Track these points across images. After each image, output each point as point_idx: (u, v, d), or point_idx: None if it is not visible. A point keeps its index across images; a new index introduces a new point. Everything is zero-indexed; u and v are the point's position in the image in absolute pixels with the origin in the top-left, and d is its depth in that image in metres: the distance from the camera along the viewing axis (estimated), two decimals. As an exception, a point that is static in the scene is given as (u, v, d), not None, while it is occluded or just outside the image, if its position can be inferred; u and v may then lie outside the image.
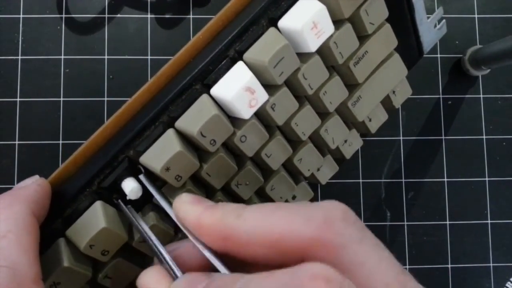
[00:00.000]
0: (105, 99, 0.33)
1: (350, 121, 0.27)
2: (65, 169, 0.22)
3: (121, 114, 0.22)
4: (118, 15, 0.34)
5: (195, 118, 0.21)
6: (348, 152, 0.29)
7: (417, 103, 0.35)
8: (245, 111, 0.21)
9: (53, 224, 0.21)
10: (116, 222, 0.21)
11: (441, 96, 0.35)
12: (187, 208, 0.18)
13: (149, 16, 0.34)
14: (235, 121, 0.23)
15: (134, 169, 0.22)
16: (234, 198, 0.25)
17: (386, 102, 0.28)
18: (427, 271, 0.34)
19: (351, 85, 0.25)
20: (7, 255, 0.17)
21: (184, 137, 0.22)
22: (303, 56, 0.22)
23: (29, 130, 0.33)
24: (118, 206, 0.22)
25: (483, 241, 0.34)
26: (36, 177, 0.22)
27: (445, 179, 0.35)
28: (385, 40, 0.24)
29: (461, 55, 0.35)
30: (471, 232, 0.34)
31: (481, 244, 0.34)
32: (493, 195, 0.35)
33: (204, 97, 0.22)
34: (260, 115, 0.23)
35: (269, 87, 0.22)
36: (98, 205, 0.21)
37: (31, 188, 0.20)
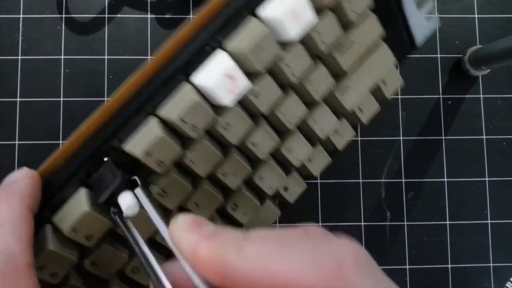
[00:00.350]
0: (105, 99, 0.33)
1: (339, 111, 0.27)
2: (53, 161, 0.22)
3: (107, 107, 0.22)
4: (118, 15, 0.34)
5: (176, 105, 0.22)
6: (340, 143, 0.28)
7: (417, 103, 0.35)
8: (227, 98, 0.22)
9: (42, 213, 0.22)
10: (100, 207, 0.22)
11: (441, 96, 0.35)
12: (182, 235, 0.17)
13: (149, 16, 0.34)
14: (220, 109, 0.23)
15: (131, 182, 0.21)
16: (222, 187, 0.25)
17: (377, 93, 0.28)
18: (427, 271, 0.34)
19: (338, 74, 0.25)
20: (3, 242, 0.19)
21: (167, 126, 0.23)
22: (285, 45, 0.23)
23: (29, 130, 0.33)
24: (116, 222, 0.21)
25: (483, 241, 0.34)
26: (25, 169, 0.22)
27: (445, 179, 0.35)
28: (370, 29, 0.25)
29: (461, 55, 0.35)
30: (471, 232, 0.34)
31: (481, 244, 0.34)
32: (493, 195, 0.35)
33: (186, 85, 0.22)
34: (244, 103, 0.23)
35: (252, 76, 0.23)
36: (82, 191, 0.22)
37: (24, 182, 0.21)
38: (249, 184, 0.26)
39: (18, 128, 0.33)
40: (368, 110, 0.28)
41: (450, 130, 0.35)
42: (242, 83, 0.22)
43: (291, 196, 0.28)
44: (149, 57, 0.34)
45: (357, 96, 0.26)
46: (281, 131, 0.26)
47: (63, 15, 0.34)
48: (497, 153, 0.35)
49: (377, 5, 0.25)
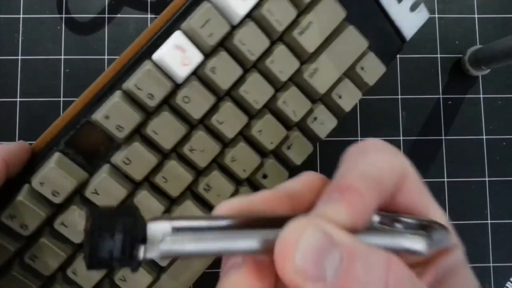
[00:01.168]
0: (105, 99, 0.33)
1: (314, 96, 0.27)
2: (42, 138, 0.25)
3: (88, 91, 0.26)
4: (118, 15, 0.34)
5: (135, 76, 0.24)
6: (321, 131, 0.28)
7: (417, 103, 0.35)
8: (179, 69, 0.24)
9: (25, 176, 0.24)
10: (68, 167, 0.24)
11: (441, 96, 0.35)
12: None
13: (149, 16, 0.34)
14: (182, 85, 0.25)
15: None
16: (190, 165, 0.26)
17: (356, 79, 0.27)
18: (427, 271, 0.34)
19: (304, 57, 0.26)
20: None
21: (128, 96, 0.25)
22: (239, 24, 0.25)
23: (29, 130, 0.33)
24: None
25: (483, 241, 0.34)
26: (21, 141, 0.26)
27: (445, 179, 0.35)
28: (330, 11, 0.25)
29: (461, 55, 0.35)
30: (471, 232, 0.34)
31: (481, 244, 0.34)
32: (493, 195, 0.35)
33: (146, 61, 0.24)
34: (203, 78, 0.25)
35: (210, 54, 0.25)
36: (55, 154, 0.24)
37: (11, 144, 0.24)
38: (221, 166, 0.26)
39: (18, 128, 0.33)
40: (348, 97, 0.27)
41: (450, 130, 0.35)
42: (194, 55, 0.24)
43: (271, 185, 0.27)
44: (149, 57, 0.34)
45: (328, 79, 0.26)
46: (252, 114, 0.26)
47: (63, 15, 0.34)
48: (497, 153, 0.35)
49: (353, 4, 0.26)
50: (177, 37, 0.24)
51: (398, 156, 0.17)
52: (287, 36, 0.25)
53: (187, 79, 0.25)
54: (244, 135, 0.26)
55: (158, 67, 0.24)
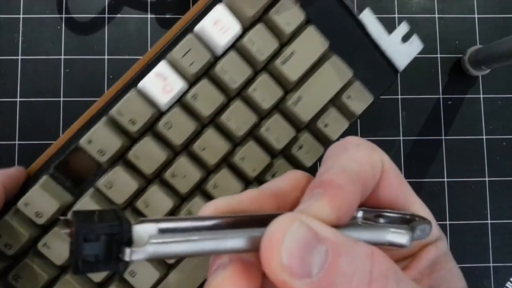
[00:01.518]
0: (105, 99, 0.33)
1: (298, 124, 0.27)
2: (37, 162, 0.27)
3: (82, 117, 0.27)
4: (118, 15, 0.34)
5: (119, 102, 0.25)
6: (306, 159, 0.27)
7: (417, 103, 0.35)
8: (161, 96, 0.25)
9: (16, 200, 0.25)
10: (53, 190, 0.25)
11: (441, 96, 0.35)
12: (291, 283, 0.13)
13: (149, 16, 0.34)
14: (166, 112, 0.26)
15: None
16: (172, 190, 0.26)
17: (343, 107, 0.28)
18: (427, 271, 0.34)
19: (288, 85, 0.27)
20: None
21: (113, 123, 0.25)
22: (223, 54, 0.26)
23: (29, 130, 0.33)
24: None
25: (483, 241, 0.34)
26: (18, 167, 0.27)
27: (445, 179, 0.35)
28: (312, 41, 0.26)
29: (461, 55, 0.35)
30: (471, 232, 0.34)
31: (481, 244, 0.34)
32: (493, 195, 0.35)
33: (132, 89, 0.25)
34: (185, 105, 0.26)
35: (193, 81, 0.26)
36: (43, 178, 0.25)
37: (9, 169, 0.25)
38: (203, 191, 0.27)
39: (18, 128, 0.33)
40: (335, 126, 0.28)
41: (450, 130, 0.35)
42: (175, 82, 0.25)
43: None
44: (149, 57, 0.34)
45: (313, 108, 0.26)
46: (235, 141, 0.27)
47: (63, 15, 0.34)
48: (497, 153, 0.35)
49: (342, 37, 0.27)
50: (161, 66, 0.25)
51: (377, 151, 0.18)
52: (270, 65, 0.26)
53: (172, 106, 0.26)
54: (227, 162, 0.27)
55: (142, 94, 0.25)
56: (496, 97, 0.35)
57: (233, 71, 0.25)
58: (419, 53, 0.35)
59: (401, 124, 0.35)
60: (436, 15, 0.36)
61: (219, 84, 0.26)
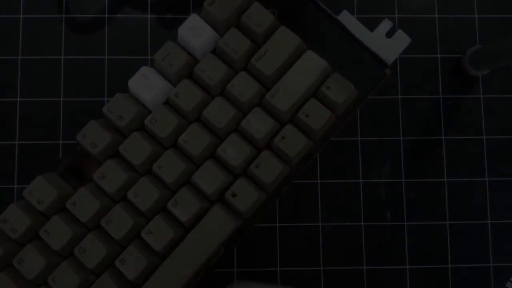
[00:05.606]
0: (105, 99, 0.33)
1: (279, 116, 0.28)
2: None
3: None
4: (118, 15, 0.34)
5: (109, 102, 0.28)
6: (291, 150, 0.28)
7: (417, 103, 0.35)
8: (145, 93, 0.28)
9: None
10: (54, 180, 0.27)
11: (441, 96, 0.35)
12: None
13: (149, 16, 0.34)
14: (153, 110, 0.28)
15: None
16: (160, 181, 0.28)
17: (324, 98, 0.29)
18: (427, 271, 0.34)
19: (265, 80, 0.29)
20: None
21: (107, 121, 0.28)
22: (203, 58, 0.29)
23: (29, 130, 0.33)
24: None
25: (483, 241, 0.34)
26: None
27: (445, 179, 0.35)
28: (284, 39, 0.29)
29: (461, 55, 0.35)
30: (471, 232, 0.34)
31: (481, 244, 0.34)
32: (493, 195, 0.35)
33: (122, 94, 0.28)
34: (169, 102, 0.28)
35: (177, 81, 0.28)
36: (50, 174, 0.27)
37: None
38: (192, 183, 0.29)
39: (18, 128, 0.33)
40: (316, 116, 0.28)
41: (450, 130, 0.35)
42: (157, 81, 0.28)
43: (242, 204, 0.28)
44: (149, 57, 0.34)
45: (290, 99, 0.28)
46: (218, 134, 0.29)
47: (63, 15, 0.34)
48: (497, 153, 0.35)
49: (323, 37, 0.29)
50: (144, 68, 0.28)
51: None
52: (248, 63, 0.29)
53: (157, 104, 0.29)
54: (210, 153, 0.29)
55: (130, 93, 0.28)
56: (496, 97, 0.35)
57: (210, 70, 0.28)
58: (419, 53, 0.35)
59: (401, 124, 0.35)
60: (436, 15, 0.36)
61: (198, 82, 0.28)
